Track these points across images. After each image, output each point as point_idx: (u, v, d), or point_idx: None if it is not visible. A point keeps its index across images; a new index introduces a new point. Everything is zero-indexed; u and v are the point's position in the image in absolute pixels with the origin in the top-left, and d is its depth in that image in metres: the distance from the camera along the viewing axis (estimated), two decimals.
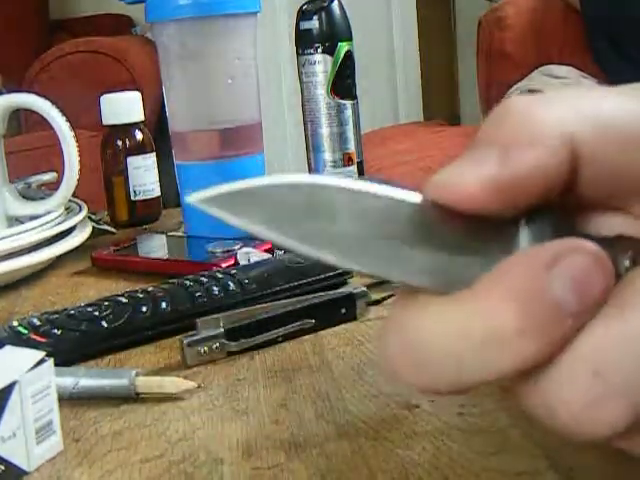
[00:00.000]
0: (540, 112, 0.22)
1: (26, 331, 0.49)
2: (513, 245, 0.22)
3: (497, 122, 0.22)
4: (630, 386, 0.20)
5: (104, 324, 0.51)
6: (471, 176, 0.22)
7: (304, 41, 0.85)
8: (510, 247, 0.22)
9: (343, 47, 0.85)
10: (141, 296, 0.53)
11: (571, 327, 0.20)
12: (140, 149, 0.87)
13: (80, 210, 0.77)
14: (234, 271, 0.57)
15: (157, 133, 1.26)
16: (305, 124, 0.88)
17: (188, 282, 0.55)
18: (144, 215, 0.88)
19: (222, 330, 0.48)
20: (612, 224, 0.23)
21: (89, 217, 0.79)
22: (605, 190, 0.22)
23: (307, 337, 0.50)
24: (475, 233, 0.22)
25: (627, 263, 0.22)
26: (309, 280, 0.56)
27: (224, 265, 0.63)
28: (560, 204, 0.22)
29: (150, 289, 0.54)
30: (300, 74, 0.87)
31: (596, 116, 0.22)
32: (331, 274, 0.57)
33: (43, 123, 0.72)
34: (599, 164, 0.22)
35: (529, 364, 0.20)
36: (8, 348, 0.40)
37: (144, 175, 0.87)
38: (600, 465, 0.32)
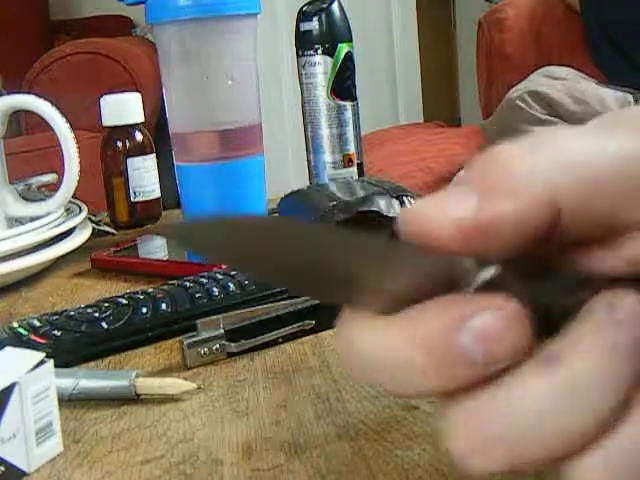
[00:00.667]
0: (524, 163, 0.22)
1: (26, 332, 0.49)
2: (459, 282, 0.22)
3: (481, 168, 0.22)
4: (514, 447, 0.21)
5: (104, 325, 0.51)
6: (446, 216, 0.21)
7: (304, 42, 0.86)
8: (456, 283, 0.22)
9: (343, 48, 0.85)
10: (141, 297, 0.53)
11: (485, 372, 0.21)
12: (140, 150, 0.88)
13: (80, 211, 0.77)
14: (234, 272, 0.57)
15: (157, 134, 1.26)
16: (305, 125, 0.88)
17: (188, 283, 0.55)
18: (144, 216, 0.88)
19: (222, 331, 0.48)
20: (600, 260, 0.23)
21: (89, 218, 0.80)
22: (588, 234, 0.22)
23: (307, 338, 0.50)
24: (430, 263, 0.22)
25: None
26: None
27: (224, 266, 0.63)
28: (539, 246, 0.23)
29: (150, 290, 0.54)
30: (300, 75, 0.87)
31: (580, 166, 0.22)
32: None
33: (43, 124, 0.72)
34: (581, 214, 0.22)
35: (440, 396, 0.22)
36: (8, 349, 0.40)
37: (144, 176, 0.87)
38: None
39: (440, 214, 0.21)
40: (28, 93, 0.76)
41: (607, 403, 0.20)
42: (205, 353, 0.48)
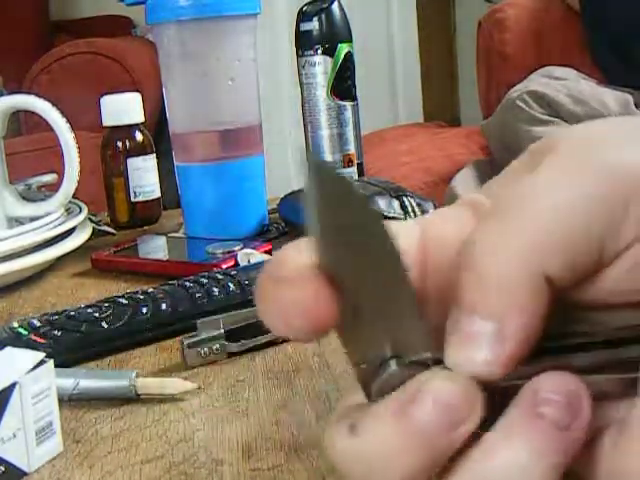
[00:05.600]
0: (505, 259, 0.22)
1: (26, 332, 0.49)
2: None
3: (467, 278, 0.22)
4: None
5: (104, 325, 0.51)
6: (480, 359, 0.22)
7: (304, 42, 0.86)
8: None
9: (343, 48, 0.85)
10: (141, 297, 0.53)
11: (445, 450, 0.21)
12: (140, 150, 0.88)
13: (80, 211, 0.77)
14: (234, 272, 0.57)
15: (157, 134, 1.26)
16: (305, 125, 0.88)
17: (188, 283, 0.55)
18: (144, 216, 0.88)
19: (222, 331, 0.48)
20: (581, 292, 0.23)
21: (89, 218, 0.80)
22: (574, 280, 0.23)
23: None
24: None
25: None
26: None
27: (224, 266, 0.63)
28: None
29: (150, 290, 0.54)
30: (300, 75, 0.87)
31: (561, 241, 0.22)
32: None
33: (43, 124, 0.72)
34: (568, 274, 0.22)
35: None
36: (8, 349, 0.40)
37: (144, 176, 0.87)
38: None
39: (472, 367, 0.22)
40: (28, 93, 0.76)
41: None
42: (205, 353, 0.48)
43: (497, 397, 0.22)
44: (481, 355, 0.21)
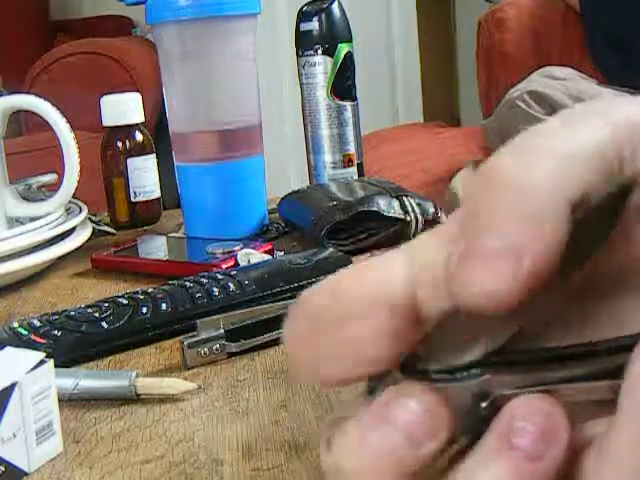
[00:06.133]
0: (530, 182, 0.21)
1: (26, 332, 0.49)
2: None
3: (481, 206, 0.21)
4: None
5: (104, 325, 0.51)
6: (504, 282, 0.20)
7: (304, 42, 0.86)
8: None
9: (343, 48, 0.85)
10: (141, 297, 0.53)
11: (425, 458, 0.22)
12: (140, 150, 0.88)
13: (80, 211, 0.77)
14: (234, 272, 0.57)
15: (157, 134, 1.26)
16: (305, 125, 0.88)
17: (188, 283, 0.55)
18: (144, 216, 0.88)
19: (222, 331, 0.48)
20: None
21: (89, 218, 0.80)
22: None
23: None
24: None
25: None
26: (309, 281, 0.56)
27: (224, 266, 0.63)
28: None
29: (150, 290, 0.54)
30: (300, 75, 0.87)
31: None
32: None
33: (43, 124, 0.72)
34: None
35: None
36: (8, 349, 0.40)
37: (144, 176, 0.87)
38: None
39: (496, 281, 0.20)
40: (28, 93, 0.76)
41: None
42: (205, 353, 0.48)
43: (483, 409, 0.22)
44: (499, 270, 0.20)
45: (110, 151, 0.88)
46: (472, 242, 0.21)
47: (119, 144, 0.87)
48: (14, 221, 0.74)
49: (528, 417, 0.21)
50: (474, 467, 0.21)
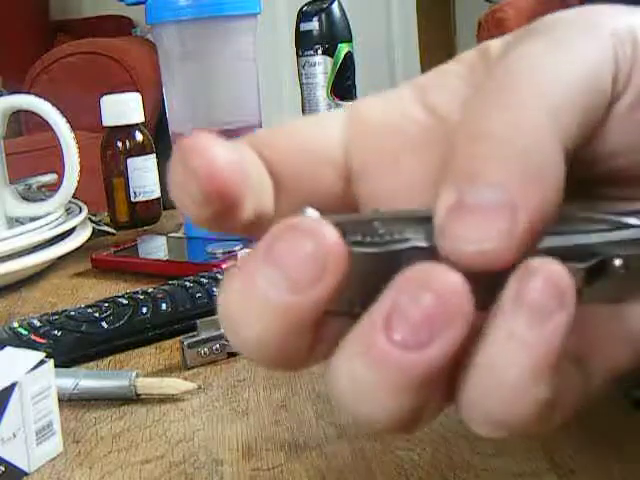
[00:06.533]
0: (523, 124, 0.19)
1: (26, 332, 0.49)
2: None
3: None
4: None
5: (104, 325, 0.51)
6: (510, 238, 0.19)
7: (304, 42, 0.86)
8: None
9: (343, 48, 0.85)
10: (141, 297, 0.53)
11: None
12: (140, 150, 0.88)
13: (80, 211, 0.77)
14: None
15: (157, 134, 1.26)
16: None
17: (188, 283, 0.55)
18: (144, 216, 0.88)
19: (222, 331, 0.48)
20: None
21: (89, 218, 0.80)
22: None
23: None
24: None
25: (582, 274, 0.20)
26: None
27: (224, 266, 0.63)
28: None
29: (150, 290, 0.54)
30: (300, 75, 0.87)
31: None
32: None
33: (43, 124, 0.72)
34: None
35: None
36: (8, 349, 0.40)
37: (144, 176, 0.87)
38: (601, 466, 0.32)
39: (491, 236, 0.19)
40: (28, 93, 0.76)
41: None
42: (205, 353, 0.48)
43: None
44: (494, 227, 0.18)
45: (110, 151, 0.88)
46: (463, 192, 0.19)
47: (119, 144, 0.87)
48: (14, 221, 0.74)
49: (414, 294, 0.18)
50: (347, 350, 0.19)
